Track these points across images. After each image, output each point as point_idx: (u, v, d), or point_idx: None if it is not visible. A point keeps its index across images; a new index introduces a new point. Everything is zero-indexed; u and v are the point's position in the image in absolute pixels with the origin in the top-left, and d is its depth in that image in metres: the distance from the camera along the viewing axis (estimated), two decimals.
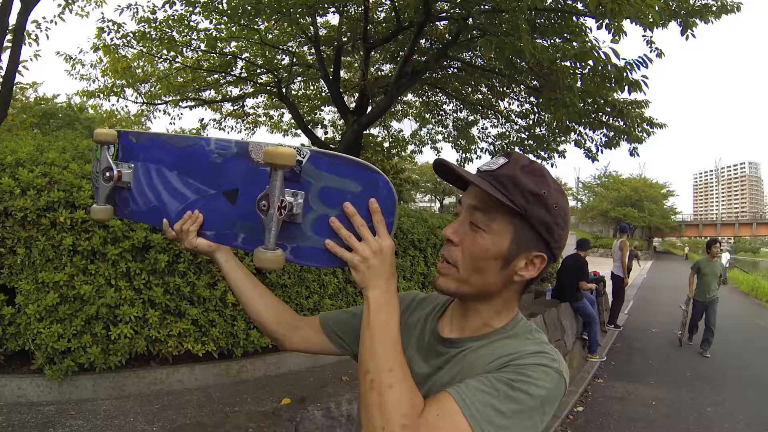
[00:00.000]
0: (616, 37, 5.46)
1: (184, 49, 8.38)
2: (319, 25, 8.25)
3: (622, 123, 8.82)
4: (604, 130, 9.28)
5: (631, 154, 9.04)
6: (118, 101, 9.99)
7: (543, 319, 6.25)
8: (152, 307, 2.75)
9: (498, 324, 1.13)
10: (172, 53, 8.35)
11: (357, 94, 9.19)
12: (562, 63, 6.18)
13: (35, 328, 2.50)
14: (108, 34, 8.08)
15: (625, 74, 5.84)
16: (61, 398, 2.59)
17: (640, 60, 5.82)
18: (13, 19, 5.88)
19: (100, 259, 2.65)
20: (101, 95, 9.79)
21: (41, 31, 7.05)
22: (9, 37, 5.86)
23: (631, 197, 50.27)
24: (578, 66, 6.16)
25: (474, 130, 11.23)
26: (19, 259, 2.53)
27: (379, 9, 8.43)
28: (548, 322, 6.38)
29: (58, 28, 7.37)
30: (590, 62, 5.81)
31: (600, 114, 8.69)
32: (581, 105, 6.94)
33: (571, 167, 65.61)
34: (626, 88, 6.00)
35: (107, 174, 1.12)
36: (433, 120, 11.61)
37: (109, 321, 2.64)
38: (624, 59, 5.75)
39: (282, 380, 3.06)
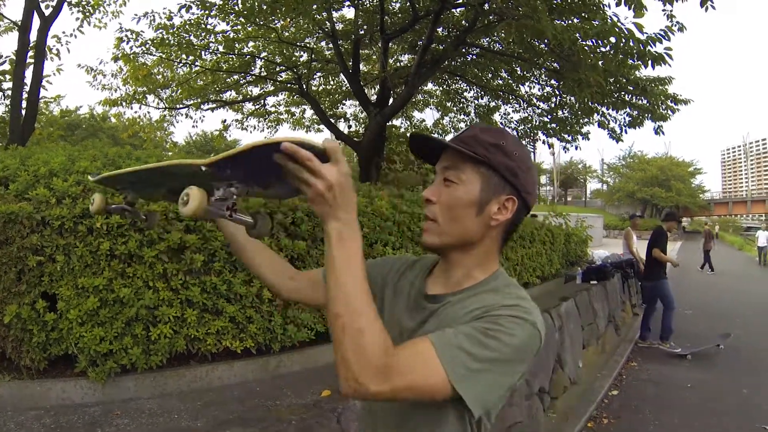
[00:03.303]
0: (640, 11, 5.35)
1: (203, 52, 8.47)
2: (335, 19, 8.26)
3: (645, 101, 8.64)
4: (628, 110, 9.10)
5: (656, 133, 8.85)
6: (140, 108, 10.16)
7: (575, 303, 6.14)
8: (190, 306, 2.80)
9: (480, 276, 1.22)
10: (191, 57, 8.43)
11: (378, 86, 9.19)
12: (584, 42, 6.08)
13: (77, 332, 2.57)
14: (127, 43, 8.19)
15: (648, 48, 5.73)
16: (104, 399, 2.65)
17: (662, 32, 5.71)
18: (34, 36, 6.02)
19: (137, 261, 2.71)
20: (124, 103, 9.95)
21: (62, 45, 7.18)
22: (31, 53, 5.99)
23: (657, 177, 49.21)
24: (600, 44, 6.06)
25: (496, 116, 11.17)
26: (58, 266, 2.60)
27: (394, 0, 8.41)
28: (580, 306, 6.28)
29: (78, 41, 7.52)
30: (612, 39, 5.70)
31: (623, 93, 8.53)
32: (605, 84, 6.83)
33: (595, 149, 64.54)
34: (650, 62, 5.90)
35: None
36: (454, 108, 11.57)
37: (149, 322, 2.70)
38: (645, 33, 5.64)
39: (320, 373, 3.10)
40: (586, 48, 6.11)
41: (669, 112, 8.74)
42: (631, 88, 8.22)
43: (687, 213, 57.29)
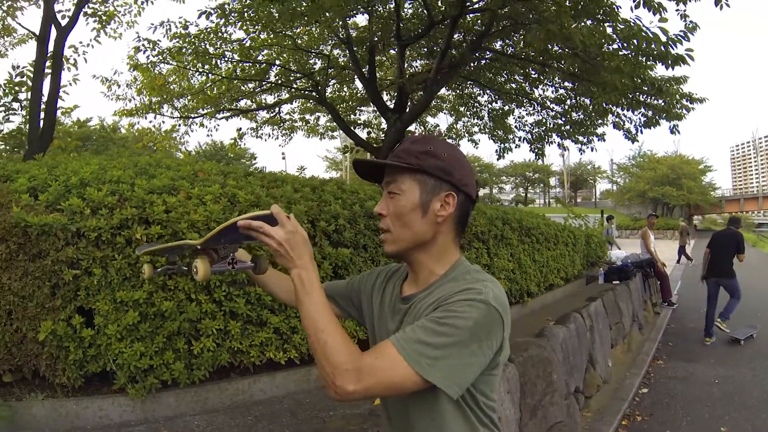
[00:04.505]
0: (661, 13, 5.36)
1: (218, 61, 8.45)
2: (349, 25, 8.23)
3: (661, 101, 8.57)
4: (643, 110, 9.03)
5: (672, 132, 8.84)
6: (155, 117, 10.16)
7: (602, 303, 6.14)
8: (233, 318, 2.73)
9: (440, 270, 1.35)
10: (207, 66, 8.42)
11: (395, 92, 9.13)
12: (608, 46, 6.07)
13: (116, 348, 2.50)
14: (144, 53, 8.20)
15: (668, 50, 5.70)
16: (146, 416, 2.58)
17: (682, 33, 5.68)
18: (51, 46, 6.01)
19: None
20: (138, 113, 9.96)
21: (78, 55, 7.17)
22: (48, 63, 5.98)
23: (668, 176, 48.92)
24: (623, 47, 6.03)
25: (510, 120, 11.08)
26: (95, 279, 2.53)
27: (407, 5, 8.36)
28: (606, 305, 6.28)
29: (91, 53, 7.51)
30: (635, 42, 5.68)
31: (638, 93, 8.46)
32: (626, 83, 6.79)
33: (604, 150, 64.36)
34: (671, 64, 5.87)
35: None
36: (468, 113, 11.47)
37: (191, 336, 2.63)
38: (666, 35, 5.62)
39: None
40: (610, 51, 6.08)
41: (684, 111, 8.68)
42: (647, 89, 8.15)
43: (699, 211, 56.87)
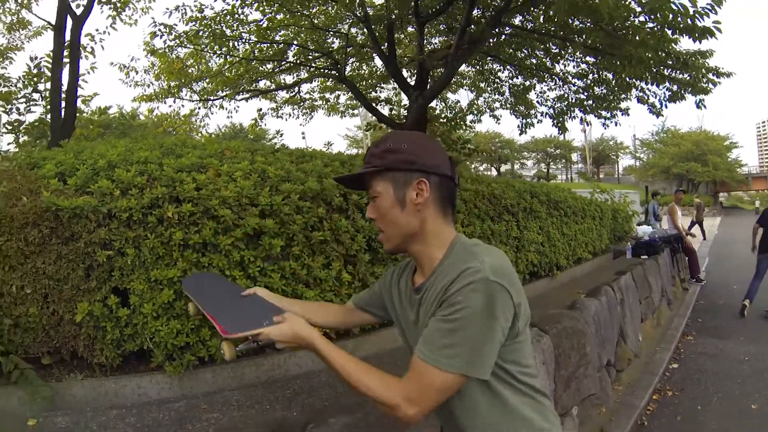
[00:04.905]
0: None
1: (236, 43, 8.41)
2: (366, 3, 8.13)
3: (687, 75, 8.36)
4: (668, 84, 8.82)
5: (698, 107, 8.60)
6: (174, 102, 10.19)
7: (632, 276, 6.09)
8: None
9: (438, 254, 1.41)
10: (224, 48, 8.39)
11: (415, 70, 9.01)
12: (634, 19, 5.92)
13: (152, 327, 2.51)
14: (161, 38, 8.19)
15: (695, 22, 5.54)
16: (183, 393, 2.60)
17: (709, 6, 5.51)
18: (68, 36, 6.02)
19: (212, 250, 2.63)
20: (157, 98, 9.98)
21: (95, 43, 7.18)
22: (66, 53, 6.00)
23: (692, 152, 47.90)
24: (649, 20, 5.87)
25: (531, 95, 10.88)
26: (129, 259, 2.53)
27: None
28: (636, 279, 6.23)
29: (107, 41, 7.50)
30: (661, 14, 5.52)
31: (662, 67, 8.26)
32: (651, 57, 6.62)
33: (627, 125, 63.24)
34: (697, 36, 5.71)
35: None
36: (488, 89, 11.29)
37: None
38: (693, 6, 5.46)
39: (398, 354, 2.98)
40: (636, 24, 5.92)
41: (710, 85, 8.45)
42: (672, 62, 7.94)
43: (725, 188, 55.77)
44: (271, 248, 2.68)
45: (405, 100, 10.25)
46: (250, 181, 2.78)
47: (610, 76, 9.08)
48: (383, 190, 1.44)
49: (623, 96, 9.71)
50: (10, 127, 6.48)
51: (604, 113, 10.21)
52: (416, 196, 1.40)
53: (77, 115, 6.67)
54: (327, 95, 11.98)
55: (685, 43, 6.72)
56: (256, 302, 1.82)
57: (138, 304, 2.53)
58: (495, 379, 1.34)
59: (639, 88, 9.15)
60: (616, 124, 10.36)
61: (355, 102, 12.09)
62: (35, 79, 6.47)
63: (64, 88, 5.97)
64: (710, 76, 8.27)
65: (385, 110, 10.58)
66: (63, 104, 5.89)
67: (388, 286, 1.67)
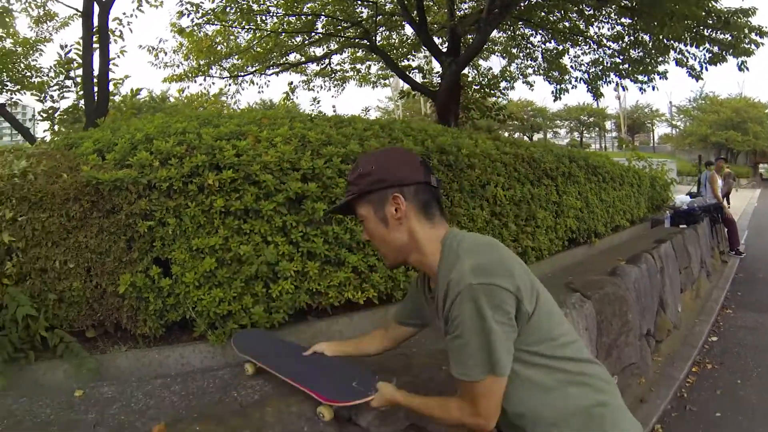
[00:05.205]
0: None
1: (263, 17, 8.38)
2: None
3: (728, 36, 8.01)
4: (707, 45, 8.47)
5: (740, 69, 8.36)
6: (204, 80, 10.23)
7: (672, 245, 5.95)
8: (311, 259, 2.68)
9: (433, 260, 1.49)
10: (252, 24, 8.36)
11: (446, 37, 8.88)
12: None
13: (195, 296, 2.51)
14: (188, 16, 8.20)
15: None
16: (226, 361, 2.60)
17: None
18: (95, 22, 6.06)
19: (254, 216, 2.61)
20: (187, 77, 10.04)
21: (123, 27, 7.22)
22: (95, 38, 6.05)
23: (732, 119, 45.96)
24: None
25: (565, 60, 10.62)
26: (170, 229, 2.53)
27: None
28: (676, 248, 6.08)
29: (133, 23, 7.53)
30: None
31: (702, 27, 7.92)
32: (691, 14, 6.35)
33: (663, 92, 60.98)
34: None
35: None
36: (520, 54, 11.06)
37: (269, 279, 2.61)
38: None
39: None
40: None
41: (753, 46, 8.10)
42: (712, 21, 7.60)
43: (766, 158, 53.66)
44: (313, 212, 2.64)
45: (437, 68, 10.14)
46: (290, 146, 2.74)
47: (646, 37, 8.83)
48: (366, 213, 1.54)
49: (661, 59, 9.44)
50: (45, 115, 6.57)
51: (640, 77, 9.97)
52: (395, 211, 1.49)
53: (110, 98, 6.76)
54: (358, 66, 11.93)
55: (727, 0, 6.44)
56: (335, 365, 2.05)
57: (180, 274, 2.53)
58: (525, 367, 1.40)
59: (677, 50, 8.90)
60: (653, 89, 10.06)
61: (386, 72, 12.02)
62: (66, 66, 6.56)
63: (96, 73, 6.03)
64: (753, 36, 7.98)
65: (417, 78, 10.46)
66: (95, 89, 5.96)
67: (416, 294, 1.79)
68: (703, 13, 7.06)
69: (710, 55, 8.61)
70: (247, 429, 1.84)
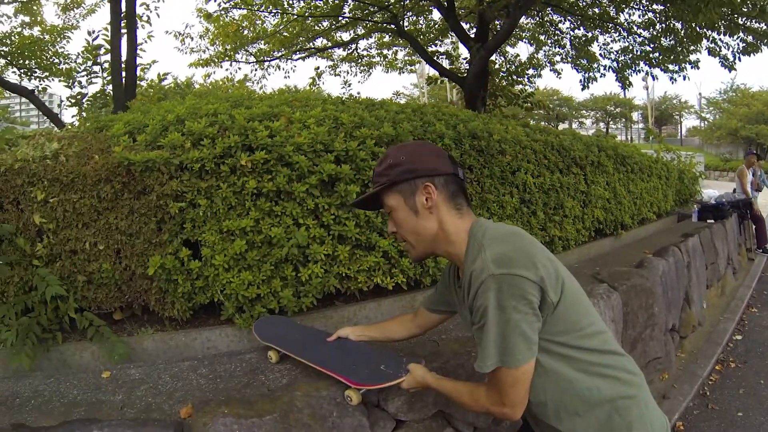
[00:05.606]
0: None
1: (290, 1, 8.34)
2: None
3: (763, 25, 7.76)
4: (742, 34, 8.23)
5: None
6: (231, 65, 10.25)
7: (699, 240, 5.85)
8: (342, 242, 2.68)
9: (460, 250, 1.51)
10: (279, 8, 8.34)
11: (474, 22, 8.77)
12: None
13: (224, 279, 2.51)
14: (215, 1, 8.20)
15: None
16: (252, 346, 2.61)
17: None
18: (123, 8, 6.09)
19: (286, 198, 2.60)
20: (213, 62, 10.06)
21: (150, 12, 7.24)
22: (123, 23, 6.08)
23: (763, 113, 44.46)
24: None
25: (594, 47, 10.35)
26: (201, 210, 2.54)
27: None
28: (703, 243, 5.99)
29: (161, 8, 7.55)
30: None
31: (736, 15, 7.68)
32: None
33: (692, 83, 59.29)
34: None
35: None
36: (548, 41, 10.83)
37: (298, 262, 2.61)
38: None
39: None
40: None
41: None
42: (747, 9, 7.37)
43: None
44: (346, 195, 2.63)
45: (464, 54, 10.02)
46: (324, 128, 2.72)
47: (678, 25, 8.54)
48: (396, 203, 1.56)
49: (692, 48, 9.12)
50: (73, 101, 6.65)
51: (671, 66, 9.65)
52: (426, 201, 1.52)
53: (139, 80, 6.80)
54: (384, 51, 11.81)
55: None
56: (362, 349, 2.07)
57: (209, 256, 2.53)
58: (550, 357, 1.41)
59: (710, 38, 8.60)
60: (684, 78, 9.72)
61: (413, 57, 11.92)
62: (94, 52, 6.61)
63: (124, 58, 6.07)
64: None
65: (444, 64, 10.35)
66: (123, 74, 6.00)
67: (447, 281, 1.81)
68: (739, 0, 6.85)
69: (744, 44, 8.37)
70: (276, 412, 1.85)
